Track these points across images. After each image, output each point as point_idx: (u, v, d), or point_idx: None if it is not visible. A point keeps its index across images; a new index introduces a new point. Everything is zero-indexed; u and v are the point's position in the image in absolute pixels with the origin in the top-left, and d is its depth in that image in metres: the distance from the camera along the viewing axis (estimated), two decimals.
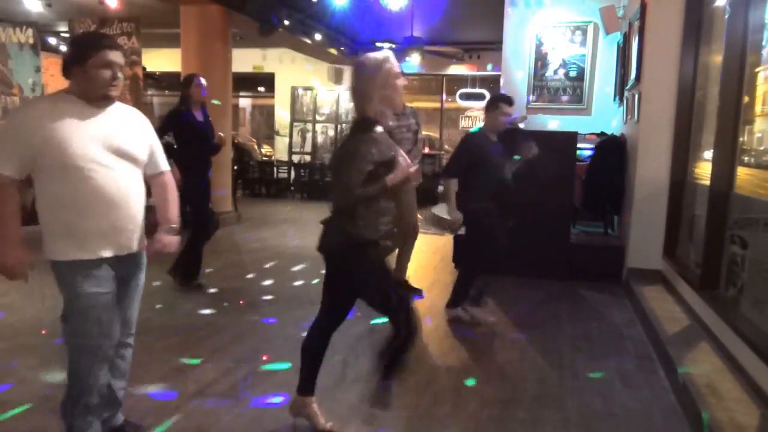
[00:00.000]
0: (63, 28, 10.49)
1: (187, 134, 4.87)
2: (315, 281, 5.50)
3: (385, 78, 2.47)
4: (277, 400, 3.07)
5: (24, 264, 2.21)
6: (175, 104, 5.02)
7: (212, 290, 4.99)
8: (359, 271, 2.50)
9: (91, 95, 2.25)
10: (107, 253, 2.28)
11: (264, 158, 13.99)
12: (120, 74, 2.27)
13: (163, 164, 2.55)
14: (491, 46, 11.14)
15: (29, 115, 2.19)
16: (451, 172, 4.26)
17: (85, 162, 2.20)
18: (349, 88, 2.56)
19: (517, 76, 7.54)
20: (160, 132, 4.77)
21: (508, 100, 4.28)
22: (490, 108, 4.28)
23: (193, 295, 4.87)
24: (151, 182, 2.51)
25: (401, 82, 2.52)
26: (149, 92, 13.72)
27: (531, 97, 7.51)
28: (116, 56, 2.25)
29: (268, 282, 5.40)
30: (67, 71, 2.27)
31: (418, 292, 4.96)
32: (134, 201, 2.35)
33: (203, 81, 4.96)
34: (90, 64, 2.20)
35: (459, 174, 4.20)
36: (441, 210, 9.16)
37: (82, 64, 2.21)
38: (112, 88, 2.26)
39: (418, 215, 4.70)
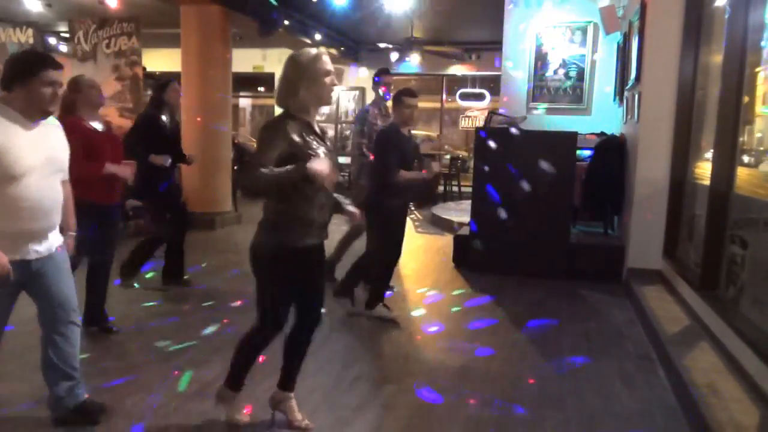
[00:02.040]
0: (63, 28, 10.48)
1: (159, 139, 4.73)
2: None
3: (315, 74, 2.47)
4: None
5: (6, 264, 2.33)
6: (147, 108, 4.92)
7: (212, 290, 4.99)
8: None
9: (30, 110, 2.39)
10: (33, 255, 2.46)
11: None
12: (59, 92, 2.45)
13: (67, 174, 2.71)
14: (491, 46, 11.13)
15: None
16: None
17: (29, 170, 2.34)
18: (278, 80, 2.53)
19: (517, 76, 7.54)
20: (140, 139, 4.72)
21: (412, 93, 4.31)
22: (395, 102, 4.34)
23: (192, 295, 4.87)
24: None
25: (330, 80, 2.52)
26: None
27: (529, 86, 7.51)
28: (58, 75, 2.42)
29: None
30: (8, 84, 2.39)
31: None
32: (59, 207, 2.58)
33: (179, 86, 4.98)
34: (33, 82, 2.35)
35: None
36: (440, 210, 9.16)
37: (26, 81, 2.35)
38: (52, 104, 2.43)
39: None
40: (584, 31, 7.29)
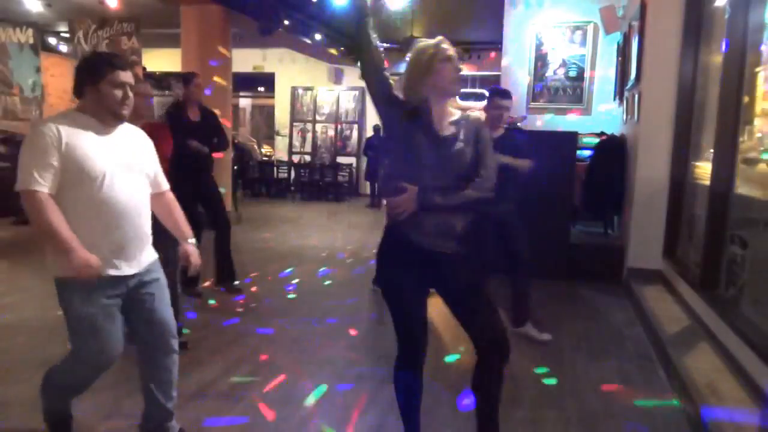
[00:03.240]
0: (63, 28, 10.50)
1: (181, 135, 4.49)
2: (314, 281, 5.50)
3: (429, 63, 2.23)
4: (277, 399, 3.07)
5: (95, 261, 2.20)
6: (171, 103, 4.86)
7: (212, 290, 4.99)
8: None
9: (102, 114, 2.29)
10: (125, 271, 2.31)
11: (264, 158, 13.99)
12: (131, 94, 2.32)
13: (165, 183, 2.59)
14: (491, 46, 11.13)
15: (52, 131, 2.18)
16: None
17: (103, 174, 2.23)
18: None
19: (517, 76, 7.54)
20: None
21: (504, 94, 3.97)
22: (487, 101, 4.02)
23: (191, 296, 4.86)
24: (154, 202, 2.52)
25: (450, 66, 2.25)
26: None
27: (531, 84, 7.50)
28: (128, 77, 2.31)
29: (267, 282, 5.40)
30: (79, 90, 2.31)
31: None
32: (146, 215, 2.42)
33: (200, 80, 4.85)
34: (103, 84, 2.25)
35: None
36: None
37: (95, 84, 2.26)
38: (124, 107, 2.30)
39: None
40: (584, 31, 7.30)
